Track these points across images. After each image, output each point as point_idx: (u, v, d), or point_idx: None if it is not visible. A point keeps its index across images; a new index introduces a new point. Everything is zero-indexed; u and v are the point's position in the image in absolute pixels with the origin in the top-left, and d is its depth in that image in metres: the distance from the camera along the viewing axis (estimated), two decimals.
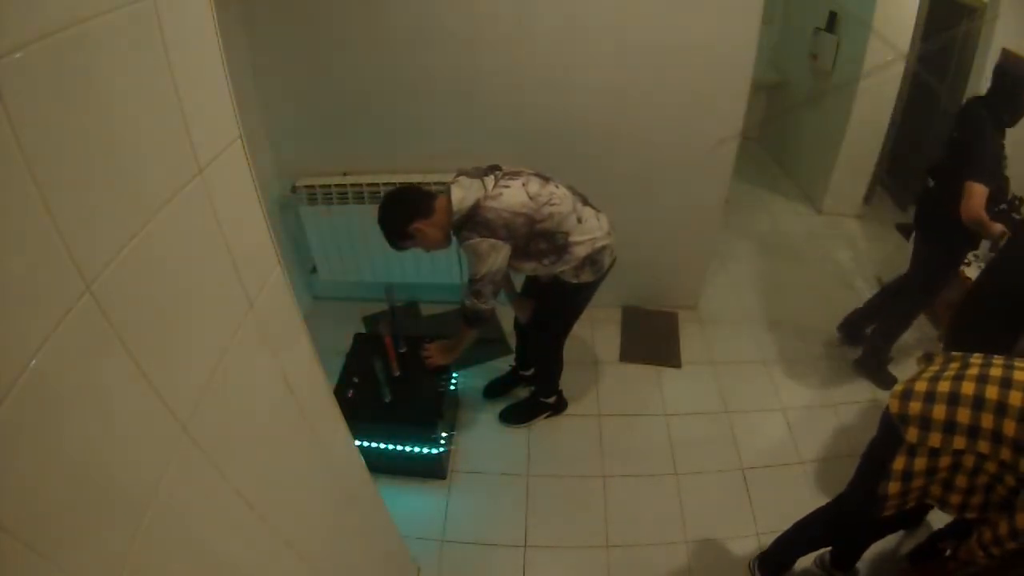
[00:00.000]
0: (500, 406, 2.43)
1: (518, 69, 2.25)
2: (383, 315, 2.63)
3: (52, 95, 0.49)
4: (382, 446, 2.08)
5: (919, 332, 2.75)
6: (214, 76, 0.76)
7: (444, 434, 2.12)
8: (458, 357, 2.09)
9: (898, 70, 3.37)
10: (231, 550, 0.81)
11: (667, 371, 2.65)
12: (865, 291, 3.16)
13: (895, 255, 3.20)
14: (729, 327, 2.91)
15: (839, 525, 1.64)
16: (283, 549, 0.95)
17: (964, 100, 2.19)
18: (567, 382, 2.39)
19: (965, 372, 1.25)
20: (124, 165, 0.58)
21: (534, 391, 2.40)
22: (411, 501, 2.10)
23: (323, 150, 2.54)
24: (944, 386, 1.25)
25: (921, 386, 1.28)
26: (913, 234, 2.45)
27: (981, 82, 2.49)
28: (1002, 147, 1.99)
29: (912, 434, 1.25)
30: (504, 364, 2.58)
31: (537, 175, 1.80)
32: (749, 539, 1.99)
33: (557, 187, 1.80)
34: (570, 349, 2.23)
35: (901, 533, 1.92)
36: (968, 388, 1.21)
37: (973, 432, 1.19)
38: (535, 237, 1.75)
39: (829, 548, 1.82)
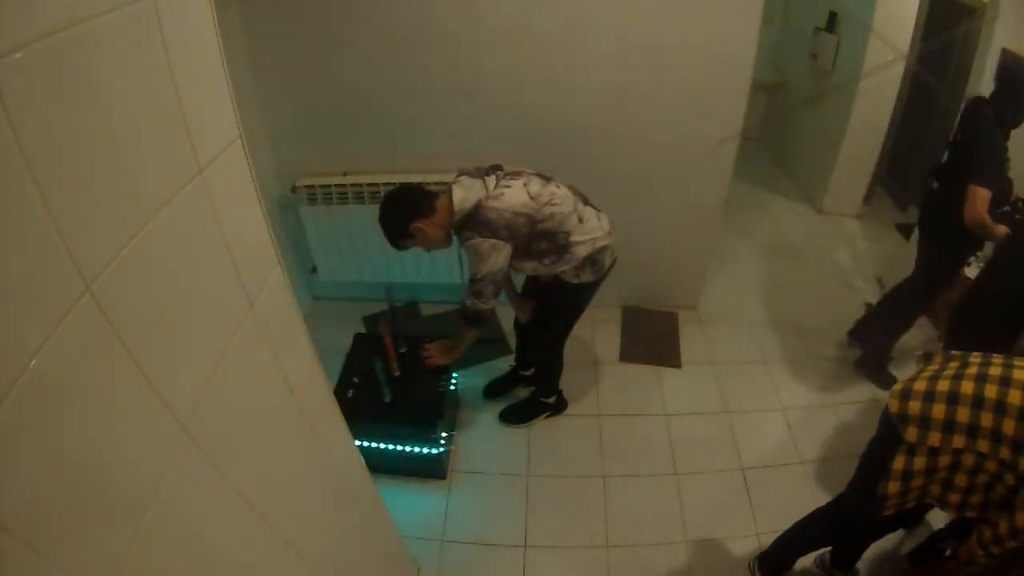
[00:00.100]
0: (500, 406, 2.43)
1: (518, 69, 2.25)
2: (383, 315, 2.64)
3: (52, 95, 0.49)
4: (382, 446, 2.09)
5: (920, 332, 2.74)
6: (214, 76, 0.76)
7: (444, 434, 2.12)
8: (458, 357, 2.09)
9: (898, 70, 3.38)
10: (231, 550, 0.81)
11: (667, 371, 2.65)
12: (865, 291, 3.16)
13: (895, 255, 3.20)
14: (729, 327, 2.91)
15: (839, 525, 1.64)
16: (283, 549, 0.95)
17: (965, 100, 2.18)
18: (567, 382, 2.39)
19: (964, 371, 1.25)
20: (124, 165, 0.58)
21: (534, 391, 2.40)
22: (411, 501, 2.10)
23: (323, 150, 2.54)
24: (943, 385, 1.25)
25: (920, 385, 1.28)
26: (914, 234, 2.44)
27: (981, 82, 2.49)
28: (1006, 149, 1.98)
29: (911, 433, 1.25)
30: (504, 364, 2.58)
31: (538, 175, 1.80)
32: (749, 539, 1.99)
33: (558, 187, 1.80)
34: (570, 349, 2.23)
35: (901, 533, 1.92)
36: (967, 387, 1.21)
37: (972, 431, 1.19)
38: (536, 237, 1.75)
39: (829, 548, 1.82)
